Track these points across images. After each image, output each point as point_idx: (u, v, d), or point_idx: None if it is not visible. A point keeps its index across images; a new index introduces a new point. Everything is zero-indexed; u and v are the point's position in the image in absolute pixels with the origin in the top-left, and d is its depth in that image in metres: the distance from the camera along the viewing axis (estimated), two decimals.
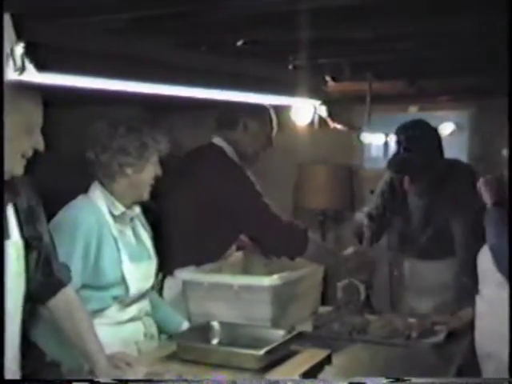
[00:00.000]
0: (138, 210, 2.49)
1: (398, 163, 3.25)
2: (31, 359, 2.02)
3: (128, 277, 2.34)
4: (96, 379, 2.00)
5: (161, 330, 2.56)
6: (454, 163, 3.36)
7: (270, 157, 3.42)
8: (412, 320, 2.67)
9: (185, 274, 2.71)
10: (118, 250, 2.34)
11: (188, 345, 2.29)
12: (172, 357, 2.27)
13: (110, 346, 2.16)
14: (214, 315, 2.56)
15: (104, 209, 2.37)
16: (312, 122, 3.50)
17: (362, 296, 2.89)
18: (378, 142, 5.62)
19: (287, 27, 2.15)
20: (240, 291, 2.59)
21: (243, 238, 2.99)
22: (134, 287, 2.37)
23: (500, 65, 3.07)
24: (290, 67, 2.80)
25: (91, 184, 2.43)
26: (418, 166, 3.18)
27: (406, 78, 3.56)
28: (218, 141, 2.94)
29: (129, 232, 2.44)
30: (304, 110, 3.37)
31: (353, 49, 2.72)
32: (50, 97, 1.86)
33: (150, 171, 2.40)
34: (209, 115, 3.00)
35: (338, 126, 3.69)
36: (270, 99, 2.78)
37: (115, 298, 2.34)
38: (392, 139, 5.29)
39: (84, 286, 2.28)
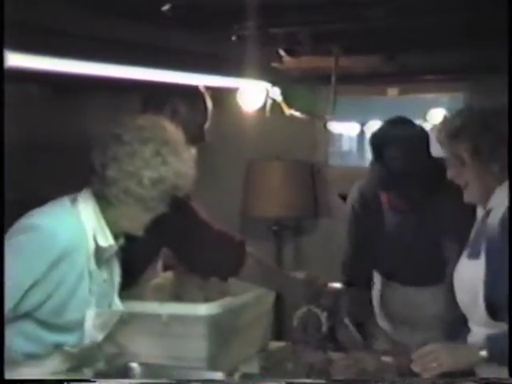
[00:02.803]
0: (122, 241, 2.49)
1: (382, 179, 3.27)
2: None
3: (88, 324, 2.35)
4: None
5: None
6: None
7: (209, 152, 3.42)
8: (387, 359, 2.70)
9: None
10: (90, 290, 2.34)
11: None
12: None
13: None
14: (134, 354, 2.57)
15: (90, 233, 2.33)
16: (263, 108, 3.53)
17: (324, 327, 2.91)
18: (351, 132, 5.70)
19: None
20: (169, 323, 2.60)
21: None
22: (88, 338, 2.38)
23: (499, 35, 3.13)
24: (234, 38, 2.81)
25: (82, 189, 2.39)
26: (402, 177, 3.21)
27: (382, 52, 3.60)
28: None
29: (104, 266, 2.44)
30: (253, 93, 3.39)
31: (314, 15, 2.75)
32: None
33: (159, 210, 2.42)
34: (129, 99, 3.00)
35: (296, 113, 3.73)
36: (208, 79, 2.79)
37: (58, 346, 2.34)
38: (368, 129, 5.38)
39: (29, 317, 2.27)
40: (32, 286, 2.22)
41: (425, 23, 2.91)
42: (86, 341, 2.37)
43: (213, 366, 2.59)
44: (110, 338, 2.64)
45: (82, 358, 2.42)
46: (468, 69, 4.50)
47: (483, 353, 2.42)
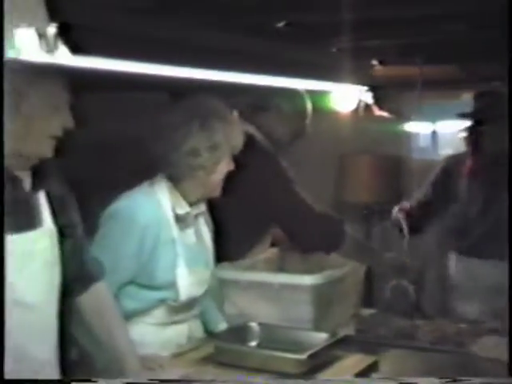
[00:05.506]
0: (203, 206, 2.51)
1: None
2: (71, 352, 2.06)
3: (180, 282, 2.36)
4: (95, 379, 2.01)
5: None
6: None
7: (309, 146, 3.40)
8: (463, 326, 2.67)
9: (222, 271, 2.70)
10: (175, 253, 2.36)
11: (225, 346, 2.29)
12: (208, 359, 2.27)
13: (150, 346, 2.26)
14: (250, 315, 2.57)
15: (167, 207, 2.36)
16: (356, 109, 3.50)
17: (412, 298, 2.88)
18: (426, 131, 5.61)
19: (331, 8, 2.17)
20: (281, 290, 2.60)
21: (278, 232, 2.97)
22: (185, 293, 2.39)
23: None
24: (334, 50, 2.80)
25: (155, 176, 2.41)
26: (490, 138, 3.13)
27: (458, 62, 3.54)
28: (248, 129, 2.94)
29: (190, 231, 2.45)
30: (348, 96, 3.37)
31: (400, 30, 2.73)
32: (80, 79, 1.86)
33: (223, 170, 2.41)
34: (237, 101, 2.98)
35: (385, 114, 3.69)
36: (311, 84, 2.79)
37: (163, 301, 2.37)
38: (442, 128, 5.28)
39: (132, 283, 2.33)
40: (129, 261, 2.28)
41: (496, 35, 2.82)
42: (183, 297, 2.38)
43: (317, 327, 2.56)
44: (230, 302, 2.69)
45: (183, 309, 2.43)
46: None
47: None
